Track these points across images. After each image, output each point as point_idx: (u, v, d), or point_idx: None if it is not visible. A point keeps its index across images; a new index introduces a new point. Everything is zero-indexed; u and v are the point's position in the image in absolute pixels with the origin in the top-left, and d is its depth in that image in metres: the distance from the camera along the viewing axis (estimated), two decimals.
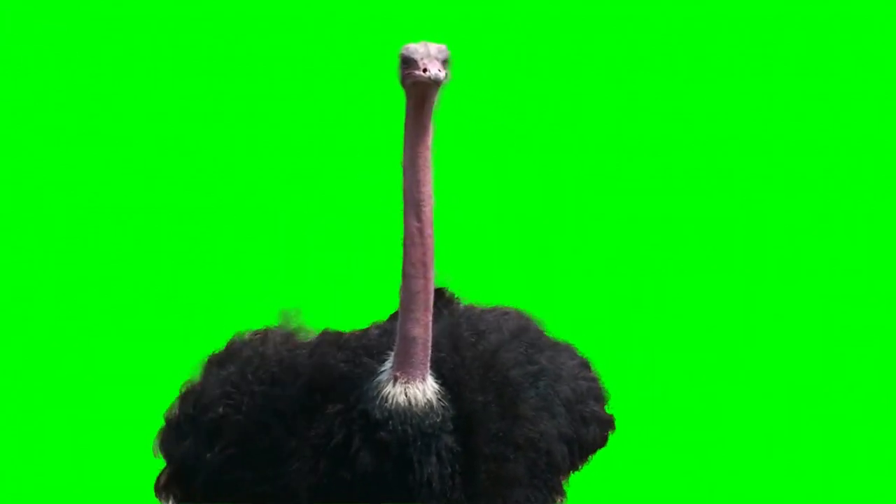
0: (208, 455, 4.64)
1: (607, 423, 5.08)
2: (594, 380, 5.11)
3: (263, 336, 4.89)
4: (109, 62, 7.37)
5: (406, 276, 4.47)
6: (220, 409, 4.67)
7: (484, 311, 5.13)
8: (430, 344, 4.51)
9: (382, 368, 4.54)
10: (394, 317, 5.11)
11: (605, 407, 5.11)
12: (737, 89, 7.42)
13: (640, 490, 6.23)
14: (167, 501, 4.89)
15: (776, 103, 7.42)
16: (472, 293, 5.27)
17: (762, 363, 6.87)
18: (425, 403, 4.51)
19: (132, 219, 7.20)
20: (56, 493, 6.27)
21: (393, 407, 4.49)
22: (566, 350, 5.13)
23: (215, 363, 4.89)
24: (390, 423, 4.49)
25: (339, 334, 4.89)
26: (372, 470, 4.52)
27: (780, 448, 6.51)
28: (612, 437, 5.10)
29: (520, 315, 5.15)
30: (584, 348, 5.21)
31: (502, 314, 5.11)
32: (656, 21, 7.41)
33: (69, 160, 7.31)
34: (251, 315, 5.12)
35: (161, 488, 4.90)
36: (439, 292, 4.84)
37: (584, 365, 5.13)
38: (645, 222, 7.23)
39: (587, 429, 4.96)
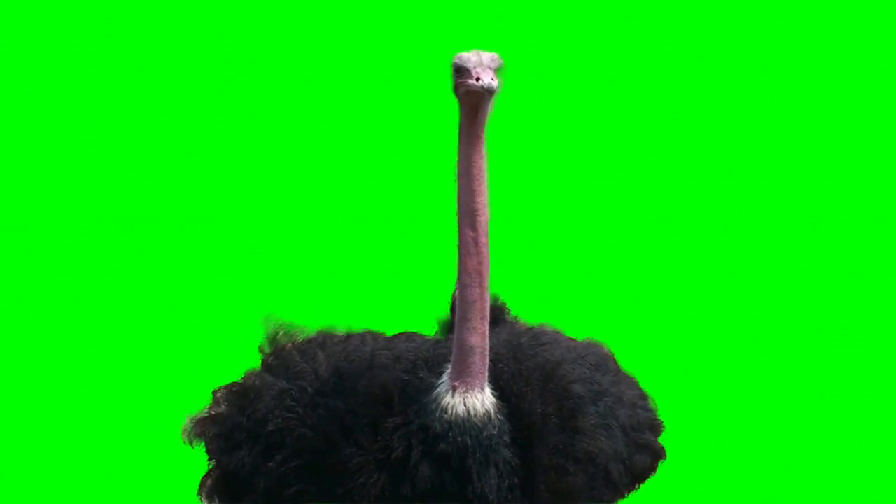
0: (270, 464, 4.63)
1: (659, 454, 5.04)
2: (651, 411, 5.10)
3: (312, 343, 4.91)
4: (133, 63, 7.38)
5: (462, 285, 4.47)
6: (280, 422, 4.66)
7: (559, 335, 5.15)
8: (487, 353, 4.50)
9: (440, 381, 4.53)
10: (445, 328, 5.14)
11: (659, 439, 5.08)
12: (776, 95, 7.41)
13: None
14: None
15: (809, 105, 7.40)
16: (525, 303, 5.28)
17: (821, 401, 6.79)
18: (484, 414, 4.49)
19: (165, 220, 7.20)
20: (56, 492, 6.25)
21: (452, 418, 4.48)
22: (628, 380, 5.12)
23: (265, 370, 4.90)
24: (450, 434, 4.48)
25: (389, 339, 4.92)
26: (431, 484, 4.50)
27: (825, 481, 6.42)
28: (661, 468, 5.07)
29: (594, 343, 5.18)
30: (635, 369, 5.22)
31: (582, 345, 5.12)
32: (703, 28, 7.43)
33: (91, 161, 7.31)
34: (311, 319, 5.14)
35: (207, 491, 4.88)
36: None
37: (644, 397, 5.12)
38: (710, 245, 7.20)
39: (640, 456, 4.92)
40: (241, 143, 7.26)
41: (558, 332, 5.16)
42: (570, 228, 7.05)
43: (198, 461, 4.93)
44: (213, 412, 4.91)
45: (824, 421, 6.67)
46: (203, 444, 4.90)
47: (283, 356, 4.89)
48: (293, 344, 4.95)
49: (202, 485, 4.89)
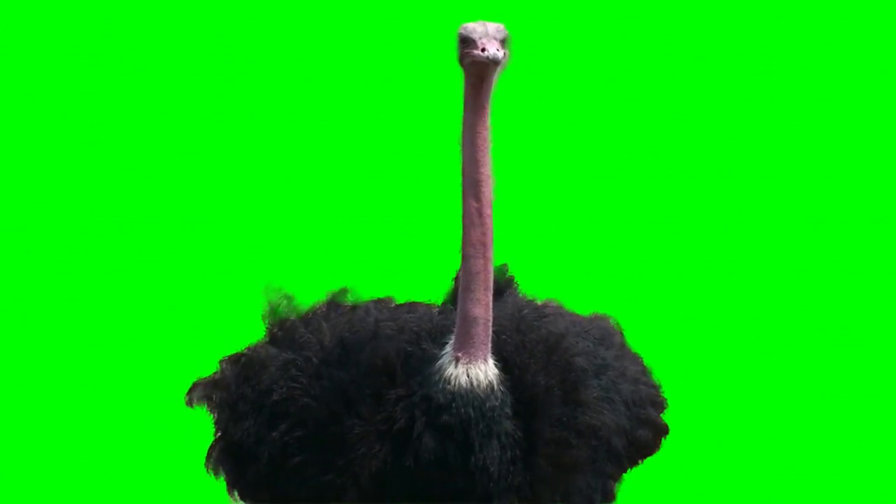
0: (274, 434, 4.64)
1: (662, 430, 5.03)
2: (655, 387, 5.09)
3: (317, 315, 4.92)
4: (141, 63, 7.39)
5: (465, 256, 4.47)
6: (285, 391, 4.67)
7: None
8: (490, 324, 4.50)
9: (443, 352, 4.53)
10: (449, 300, 5.15)
11: (662, 415, 5.07)
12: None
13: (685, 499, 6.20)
14: (217, 475, 4.90)
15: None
16: (531, 275, 5.29)
17: (824, 383, 6.83)
18: (487, 385, 4.50)
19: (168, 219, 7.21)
20: (55, 492, 6.28)
21: (455, 388, 4.48)
22: (632, 355, 5.12)
23: (270, 341, 4.91)
24: (453, 405, 4.48)
25: (393, 310, 4.93)
26: (434, 455, 4.51)
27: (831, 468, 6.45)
28: (665, 445, 5.07)
29: (601, 316, 5.17)
30: (637, 342, 5.24)
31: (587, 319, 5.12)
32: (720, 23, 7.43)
33: (103, 160, 7.32)
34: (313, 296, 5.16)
35: (212, 461, 4.91)
36: (498, 273, 4.84)
37: (647, 372, 5.11)
38: (716, 222, 7.21)
39: (643, 431, 4.92)
40: (246, 119, 7.28)
41: (561, 306, 5.16)
42: (576, 202, 7.05)
43: (204, 434, 4.98)
44: (217, 377, 4.93)
45: (827, 403, 6.70)
46: (205, 407, 4.94)
47: (287, 327, 4.90)
48: (298, 315, 4.95)
49: (209, 456, 4.91)
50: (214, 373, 4.96)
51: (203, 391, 4.93)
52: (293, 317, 4.95)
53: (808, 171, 7.31)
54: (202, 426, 4.97)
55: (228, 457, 4.83)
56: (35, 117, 7.29)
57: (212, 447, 4.90)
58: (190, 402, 4.96)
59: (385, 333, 4.71)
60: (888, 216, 7.22)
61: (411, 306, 5.01)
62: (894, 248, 7.15)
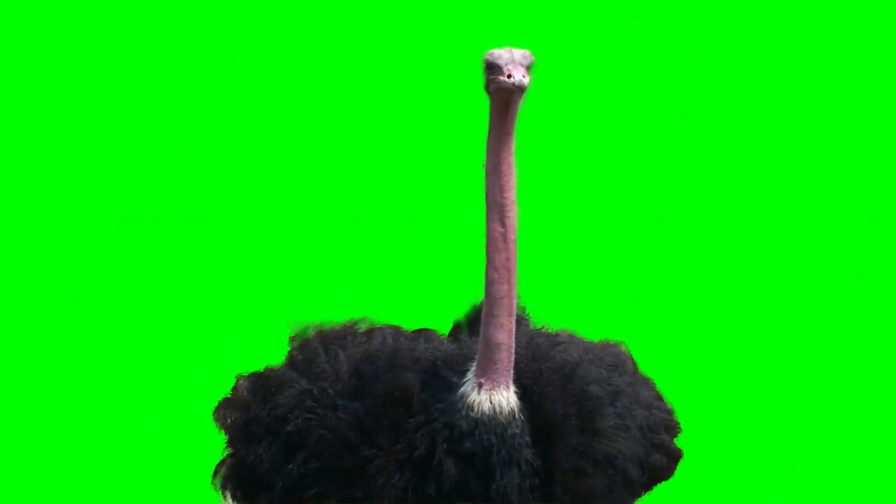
0: (290, 466, 4.63)
1: (676, 456, 5.07)
2: (668, 412, 5.13)
3: (336, 340, 4.93)
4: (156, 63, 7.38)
5: (490, 281, 4.49)
6: (300, 422, 4.66)
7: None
8: (513, 350, 4.53)
9: (465, 379, 4.55)
10: (457, 330, 5.16)
11: (676, 440, 5.11)
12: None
13: None
14: (224, 494, 4.89)
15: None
16: (550, 301, 5.32)
17: (834, 404, 6.82)
18: (509, 412, 4.52)
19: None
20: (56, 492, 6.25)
21: (478, 415, 4.50)
22: (645, 381, 5.16)
23: (289, 363, 4.92)
24: (476, 432, 4.49)
25: (409, 338, 4.96)
26: (455, 482, 4.52)
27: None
28: (679, 471, 5.09)
29: (613, 344, 5.21)
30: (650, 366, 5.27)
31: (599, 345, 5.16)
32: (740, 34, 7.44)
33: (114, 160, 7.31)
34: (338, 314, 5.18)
35: (221, 479, 4.90)
36: None
37: (660, 398, 5.15)
38: (733, 243, 7.20)
39: (657, 456, 4.95)
40: (280, 141, 7.29)
41: (573, 334, 5.19)
42: (597, 228, 7.06)
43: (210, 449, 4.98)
44: (233, 396, 4.93)
45: (837, 422, 6.70)
46: (221, 428, 4.94)
47: (307, 351, 4.90)
48: (319, 336, 4.96)
49: (217, 472, 4.90)
50: (232, 389, 4.98)
51: (221, 411, 4.95)
52: (316, 339, 4.95)
53: (817, 198, 7.29)
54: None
55: (239, 479, 4.83)
56: (33, 117, 7.27)
57: (221, 464, 4.89)
58: (217, 420, 4.96)
59: (401, 363, 4.71)
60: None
61: (427, 335, 5.04)
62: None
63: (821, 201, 7.33)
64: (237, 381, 4.96)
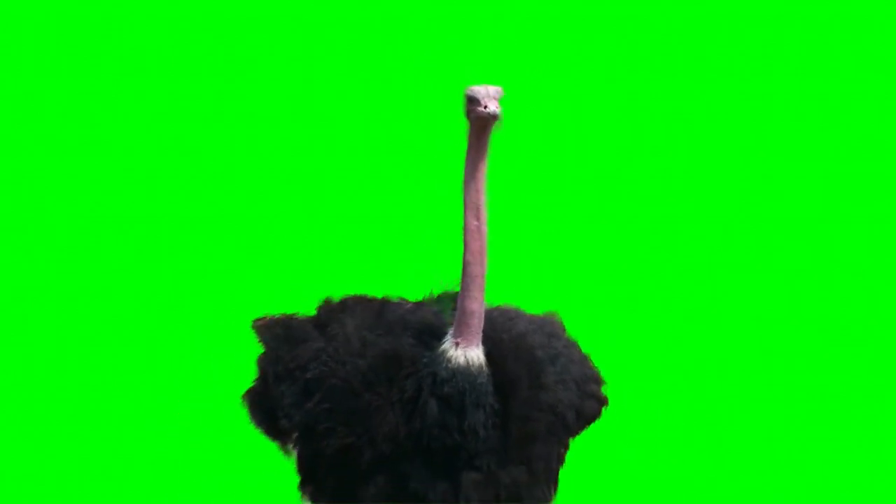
0: (308, 405, 5.71)
1: (603, 401, 6.12)
2: (594, 369, 6.20)
3: (348, 308, 5.98)
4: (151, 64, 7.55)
5: (466, 263, 5.55)
6: (317, 372, 5.74)
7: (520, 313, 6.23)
8: (483, 318, 5.61)
9: (445, 339, 5.65)
10: (434, 300, 6.22)
11: (602, 389, 6.19)
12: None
13: (625, 456, 6.97)
14: (250, 413, 5.94)
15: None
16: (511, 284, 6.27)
17: (754, 362, 7.39)
18: (478, 365, 5.60)
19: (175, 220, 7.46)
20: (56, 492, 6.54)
21: (455, 366, 5.58)
22: (575, 345, 6.22)
23: (315, 320, 5.99)
24: (453, 379, 5.58)
25: (403, 310, 6.00)
26: (436, 418, 5.60)
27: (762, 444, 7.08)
28: (605, 413, 6.06)
29: (550, 315, 6.26)
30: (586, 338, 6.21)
31: (539, 318, 6.20)
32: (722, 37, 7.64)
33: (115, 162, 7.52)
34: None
35: (248, 399, 5.93)
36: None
37: (587, 357, 6.22)
38: (685, 228, 7.57)
39: (588, 403, 6.01)
40: (278, 141, 7.60)
41: (520, 310, 6.22)
42: (559, 225, 7.61)
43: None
44: (284, 317, 5.98)
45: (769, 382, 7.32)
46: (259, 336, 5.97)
47: (329, 313, 5.98)
48: (341, 303, 6.02)
49: (248, 392, 5.95)
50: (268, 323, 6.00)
51: (267, 323, 5.95)
52: (338, 305, 6.02)
53: (798, 196, 7.55)
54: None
55: (264, 402, 5.86)
56: (37, 119, 7.46)
57: (254, 387, 5.94)
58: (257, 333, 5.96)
59: (395, 332, 5.79)
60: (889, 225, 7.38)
61: (417, 306, 6.07)
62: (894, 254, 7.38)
63: (813, 198, 7.62)
64: (271, 318, 6.01)
